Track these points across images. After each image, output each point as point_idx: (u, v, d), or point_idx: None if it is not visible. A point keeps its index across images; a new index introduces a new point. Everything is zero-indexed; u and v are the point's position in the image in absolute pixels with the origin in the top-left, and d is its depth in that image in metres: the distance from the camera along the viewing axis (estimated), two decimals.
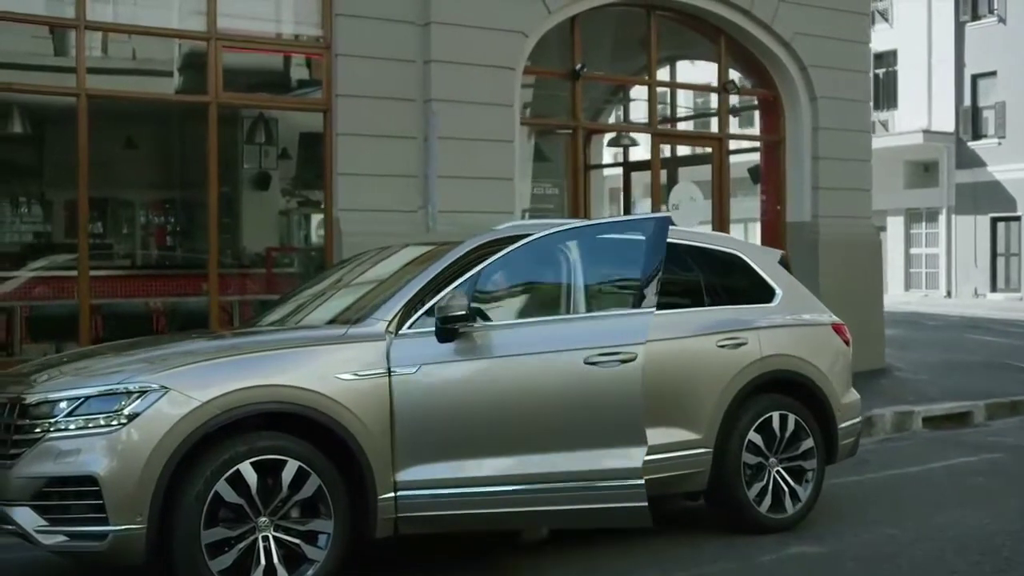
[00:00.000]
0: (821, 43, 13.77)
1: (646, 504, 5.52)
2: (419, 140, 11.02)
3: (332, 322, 5.80)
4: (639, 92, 17.22)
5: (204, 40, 9.99)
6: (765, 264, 6.93)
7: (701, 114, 17.02)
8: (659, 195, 13.44)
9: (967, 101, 34.03)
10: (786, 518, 6.48)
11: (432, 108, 10.76)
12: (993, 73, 33.11)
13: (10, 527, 4.82)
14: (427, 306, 5.43)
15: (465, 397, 5.42)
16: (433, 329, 5.37)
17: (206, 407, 4.81)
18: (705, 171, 14.58)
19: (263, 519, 4.91)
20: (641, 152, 17.37)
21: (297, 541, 4.96)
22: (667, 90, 16.28)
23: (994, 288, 33.42)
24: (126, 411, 4.74)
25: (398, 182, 10.89)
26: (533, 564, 5.90)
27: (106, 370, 5.04)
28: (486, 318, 5.53)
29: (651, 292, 5.72)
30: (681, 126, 17.66)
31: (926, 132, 33.13)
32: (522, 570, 5.80)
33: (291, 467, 4.95)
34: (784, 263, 7.11)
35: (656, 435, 5.97)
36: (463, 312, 5.24)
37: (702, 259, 6.66)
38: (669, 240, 6.53)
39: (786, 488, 6.50)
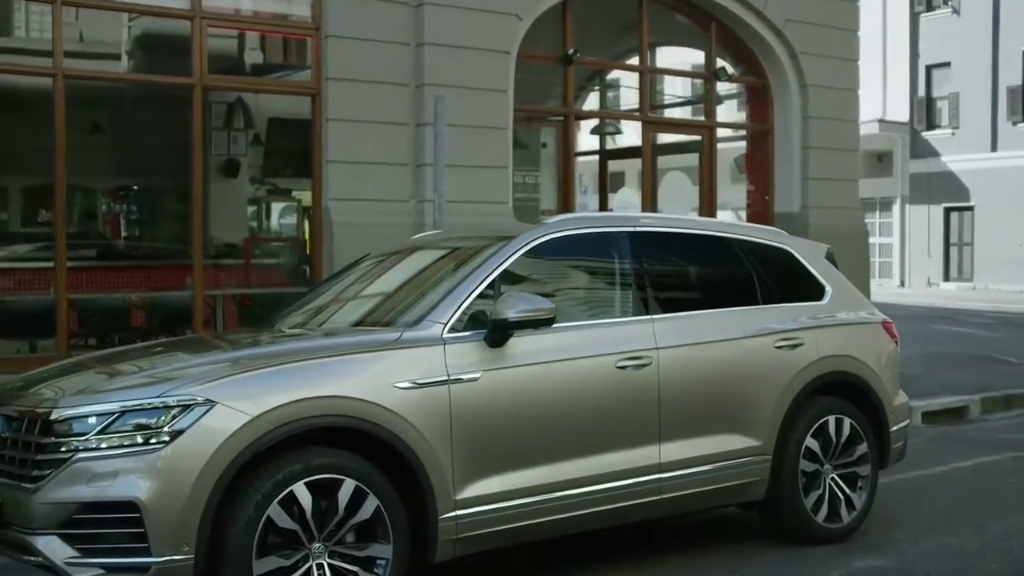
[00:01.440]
0: (812, 30, 13.49)
1: (680, 494, 5.49)
2: (411, 127, 10.58)
3: (360, 325, 5.36)
4: (617, 78, 16.93)
5: (188, 19, 9.40)
6: (814, 260, 6.58)
7: (686, 102, 16.71)
8: (650, 182, 13.06)
9: (921, 91, 34.21)
10: (842, 528, 6.15)
11: (429, 93, 10.32)
12: (947, 64, 33.30)
13: (35, 559, 4.27)
14: (469, 306, 5.04)
15: (529, 403, 5.03)
16: (484, 332, 4.95)
17: (257, 422, 4.31)
18: (682, 159, 14.27)
19: (317, 545, 4.43)
20: (620, 139, 17.11)
21: (355, 568, 4.49)
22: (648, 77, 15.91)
23: (947, 277, 33.68)
24: (169, 428, 4.22)
25: (390, 170, 10.44)
26: None
27: (141, 381, 4.50)
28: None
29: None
30: (663, 113, 17.32)
31: (881, 122, 33.20)
32: None
33: (348, 487, 4.47)
34: (830, 258, 6.77)
35: (718, 442, 5.70)
36: (550, 316, 4.88)
37: (754, 255, 6.27)
38: (723, 235, 6.25)
39: (841, 496, 6.16)
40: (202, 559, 4.20)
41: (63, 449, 4.26)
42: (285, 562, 4.35)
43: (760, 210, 13.87)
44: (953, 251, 33.73)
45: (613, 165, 16.61)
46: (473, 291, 5.06)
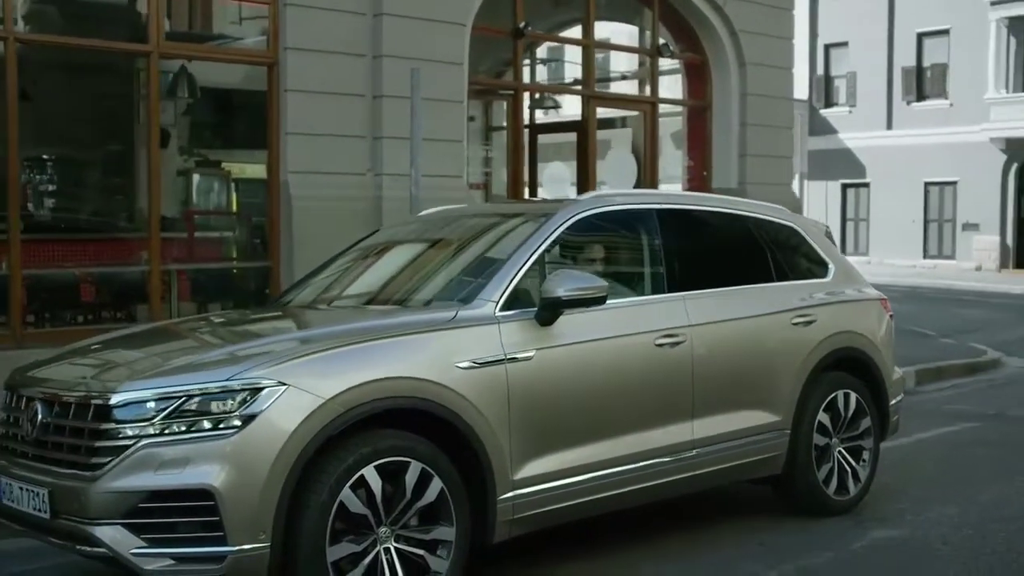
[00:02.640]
0: (751, 8, 13.69)
1: (710, 469, 5.57)
2: (368, 98, 10.40)
3: (402, 303, 5.25)
4: (550, 51, 16.89)
5: None
6: (816, 237, 6.69)
7: (621, 77, 16.74)
8: (595, 157, 13.11)
9: (820, 70, 35.02)
10: (849, 499, 6.30)
11: (388, 64, 10.18)
12: (845, 44, 34.18)
13: (96, 550, 4.07)
14: (518, 284, 4.98)
15: (577, 381, 5.00)
16: (534, 310, 4.91)
17: (329, 405, 4.18)
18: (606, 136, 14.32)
19: (383, 529, 4.33)
20: (550, 114, 17.06)
21: (421, 552, 4.40)
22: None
23: (843, 252, 34.55)
24: (241, 412, 4.06)
25: (347, 143, 10.26)
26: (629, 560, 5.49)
27: (205, 363, 4.31)
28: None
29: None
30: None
31: None
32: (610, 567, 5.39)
33: (414, 469, 4.38)
34: (829, 236, 6.89)
35: (743, 418, 5.79)
36: (602, 294, 4.84)
37: (767, 233, 6.35)
38: (740, 212, 6.31)
39: (848, 469, 6.30)
40: (278, 547, 4.07)
41: (125, 435, 4.07)
42: (356, 547, 4.24)
43: (699, 186, 14.03)
44: (849, 226, 34.76)
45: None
46: (520, 269, 4.99)
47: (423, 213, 6.45)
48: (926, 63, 33.08)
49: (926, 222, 33.07)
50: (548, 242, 5.17)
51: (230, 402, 4.07)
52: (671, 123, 14.94)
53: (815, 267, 6.54)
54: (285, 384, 4.13)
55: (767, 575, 5.20)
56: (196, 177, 11.92)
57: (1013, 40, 31.53)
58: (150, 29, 9.10)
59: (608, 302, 5.22)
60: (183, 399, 4.07)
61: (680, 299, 5.55)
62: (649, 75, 13.71)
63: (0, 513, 4.61)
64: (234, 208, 11.70)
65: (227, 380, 4.10)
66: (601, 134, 14.88)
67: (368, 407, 4.29)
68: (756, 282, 6.11)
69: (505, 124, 16.74)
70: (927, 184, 32.83)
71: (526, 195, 12.87)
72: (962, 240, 32.39)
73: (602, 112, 15.24)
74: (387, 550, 4.33)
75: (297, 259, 9.85)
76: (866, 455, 6.42)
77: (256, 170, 10.95)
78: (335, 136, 10.13)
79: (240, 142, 11.99)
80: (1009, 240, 31.77)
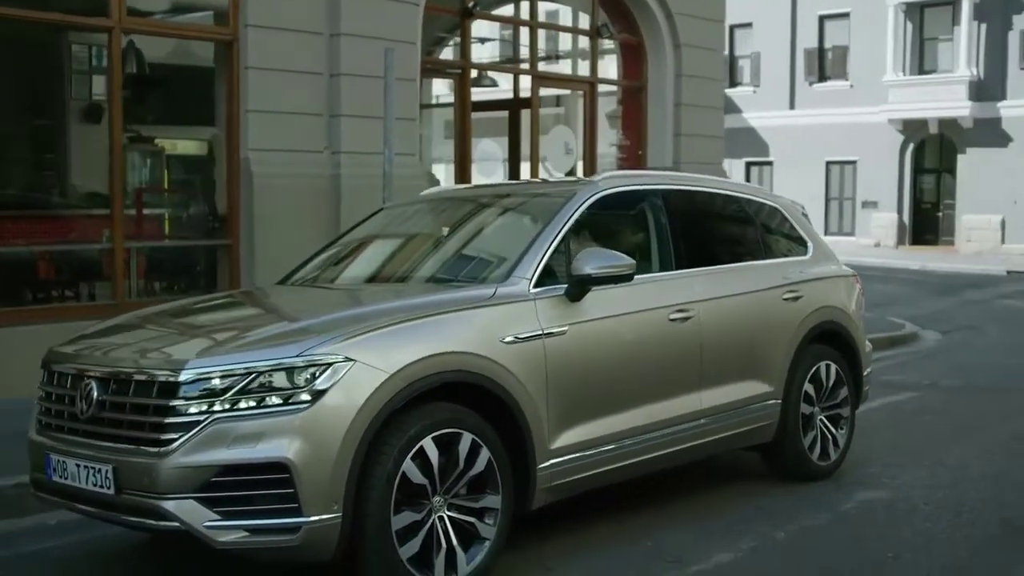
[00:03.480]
0: None
1: (716, 437, 5.90)
2: (325, 77, 10.45)
3: (432, 280, 5.41)
4: (478, 29, 17.00)
5: None
6: (796, 216, 7.02)
7: (553, 56, 16.94)
8: (538, 135, 13.34)
9: (725, 50, 35.70)
10: (830, 465, 6.67)
11: (345, 42, 10.23)
12: (749, 24, 34.92)
13: (168, 524, 4.13)
14: (547, 262, 5.18)
15: (605, 355, 5.24)
16: (562, 287, 5.13)
17: (393, 379, 4.33)
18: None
19: (437, 499, 4.50)
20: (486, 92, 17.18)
21: (471, 520, 4.59)
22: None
23: None
24: (311, 387, 4.17)
25: (305, 121, 10.32)
26: (645, 531, 5.75)
27: (272, 338, 4.41)
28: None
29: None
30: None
31: None
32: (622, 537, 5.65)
33: (466, 441, 4.55)
34: (805, 215, 7.23)
35: (742, 389, 6.10)
36: (630, 271, 5.10)
37: (756, 212, 6.67)
38: (735, 193, 6.61)
39: (830, 436, 6.67)
40: (349, 517, 4.20)
41: (195, 411, 4.15)
42: (416, 516, 4.40)
43: (634, 165, 14.37)
44: None
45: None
46: (549, 247, 5.19)
47: (424, 193, 6.58)
48: (827, 45, 34.08)
49: (827, 200, 34.17)
50: (572, 221, 5.36)
51: (299, 378, 4.18)
52: (603, 102, 15.23)
53: (796, 245, 6.87)
54: (352, 360, 4.25)
55: (776, 535, 5.53)
56: (157, 154, 11.81)
57: (909, 25, 32.71)
58: (111, 4, 9.00)
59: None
60: (253, 375, 4.17)
61: (687, 275, 5.82)
62: (588, 55, 13.95)
63: (47, 490, 4.64)
64: (192, 185, 11.61)
65: (296, 356, 4.21)
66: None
67: (427, 381, 4.45)
68: (749, 259, 6.43)
69: (435, 102, 16.92)
70: (828, 163, 33.91)
71: (472, 173, 13.00)
72: (861, 217, 33.57)
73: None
74: (440, 518, 4.50)
75: (257, 236, 9.89)
76: (844, 423, 6.79)
77: (216, 147, 10.88)
78: (294, 114, 10.17)
79: (199, 119, 11.89)
80: (906, 217, 33.05)
